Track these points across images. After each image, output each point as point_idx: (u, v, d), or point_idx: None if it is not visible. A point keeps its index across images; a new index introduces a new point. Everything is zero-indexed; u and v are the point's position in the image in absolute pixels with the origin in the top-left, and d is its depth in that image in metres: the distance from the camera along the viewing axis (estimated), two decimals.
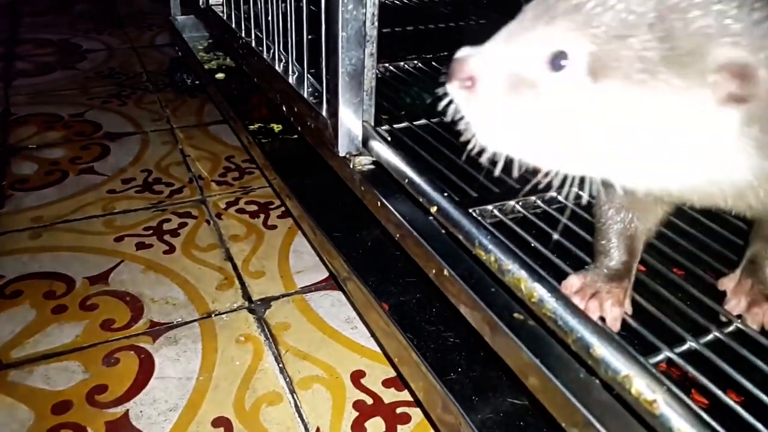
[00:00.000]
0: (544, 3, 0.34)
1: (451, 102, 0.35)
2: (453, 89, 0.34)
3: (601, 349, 0.35)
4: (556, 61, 0.32)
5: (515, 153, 0.35)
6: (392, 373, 0.69)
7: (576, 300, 0.42)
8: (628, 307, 0.44)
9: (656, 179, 0.35)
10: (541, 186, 0.36)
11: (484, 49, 0.34)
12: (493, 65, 0.34)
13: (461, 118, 0.35)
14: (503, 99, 0.33)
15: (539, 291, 0.39)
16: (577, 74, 0.32)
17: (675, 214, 0.52)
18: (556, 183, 0.36)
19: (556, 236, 0.50)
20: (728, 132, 0.32)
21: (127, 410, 0.62)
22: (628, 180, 0.35)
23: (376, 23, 0.53)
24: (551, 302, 0.39)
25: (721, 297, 0.45)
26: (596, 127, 0.33)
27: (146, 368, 0.67)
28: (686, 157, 0.33)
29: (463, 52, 0.34)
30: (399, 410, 0.64)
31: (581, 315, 0.37)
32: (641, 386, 0.33)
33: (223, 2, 0.98)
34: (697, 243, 0.52)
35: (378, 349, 0.72)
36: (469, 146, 0.35)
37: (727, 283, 0.46)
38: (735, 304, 0.44)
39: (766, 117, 0.32)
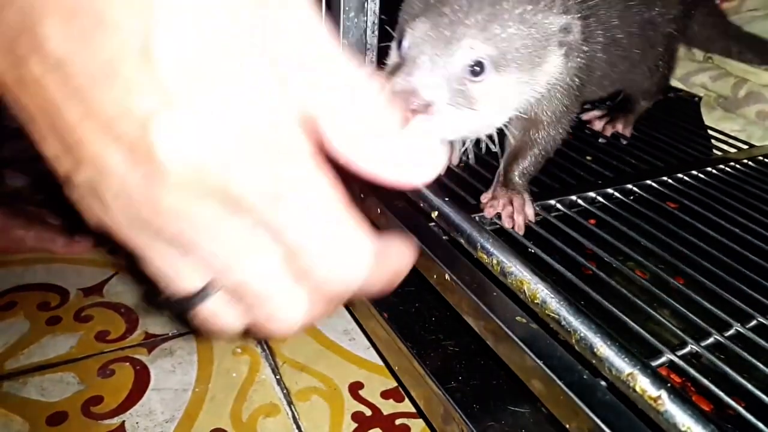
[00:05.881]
0: (435, 22, 0.44)
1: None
2: (408, 113, 0.42)
3: (605, 348, 0.35)
4: (475, 69, 0.45)
5: (466, 136, 0.48)
6: (390, 385, 0.68)
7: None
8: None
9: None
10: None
11: (421, 76, 0.43)
12: (439, 89, 0.43)
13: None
14: (453, 110, 0.44)
15: (542, 292, 0.39)
16: (489, 73, 0.45)
17: (679, 227, 0.53)
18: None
19: (555, 242, 0.50)
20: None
21: (123, 422, 0.61)
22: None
23: (377, 32, 0.53)
24: (554, 303, 0.39)
25: (720, 302, 0.46)
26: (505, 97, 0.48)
27: (142, 380, 0.66)
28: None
29: (404, 84, 0.43)
30: (398, 421, 0.64)
31: (584, 315, 0.38)
32: (645, 383, 0.33)
33: None
34: (700, 251, 0.52)
35: (376, 361, 0.71)
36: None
37: (484, 196, 0.55)
38: (491, 210, 0.53)
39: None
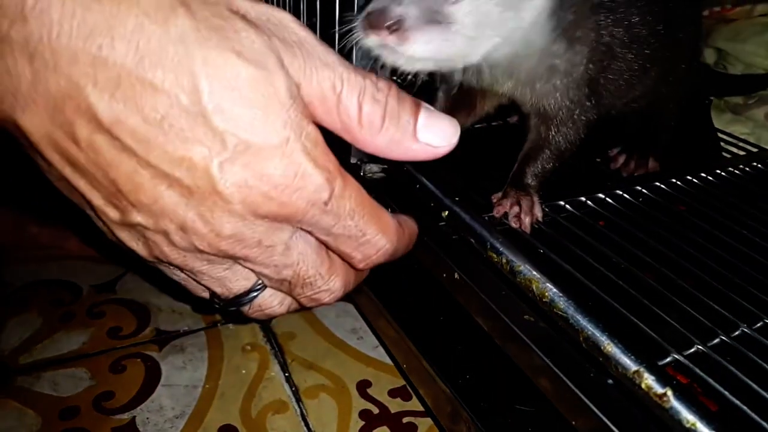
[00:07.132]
0: None
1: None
2: (379, 34, 0.42)
3: (611, 347, 0.36)
4: None
5: (440, 67, 0.47)
6: (398, 383, 0.69)
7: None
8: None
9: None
10: None
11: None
12: (409, 7, 0.42)
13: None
14: (427, 32, 0.42)
15: (551, 291, 0.40)
16: None
17: (687, 229, 0.53)
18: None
19: (564, 243, 0.51)
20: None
21: (134, 417, 0.62)
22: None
23: None
24: (562, 302, 0.39)
25: (727, 304, 0.46)
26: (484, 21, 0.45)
27: (153, 376, 0.67)
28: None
29: (376, 5, 0.42)
30: (405, 420, 0.64)
31: (591, 314, 0.38)
32: (651, 381, 0.33)
33: None
34: (708, 252, 0.52)
35: (384, 360, 0.72)
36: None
37: (495, 196, 0.55)
38: (499, 209, 0.53)
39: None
